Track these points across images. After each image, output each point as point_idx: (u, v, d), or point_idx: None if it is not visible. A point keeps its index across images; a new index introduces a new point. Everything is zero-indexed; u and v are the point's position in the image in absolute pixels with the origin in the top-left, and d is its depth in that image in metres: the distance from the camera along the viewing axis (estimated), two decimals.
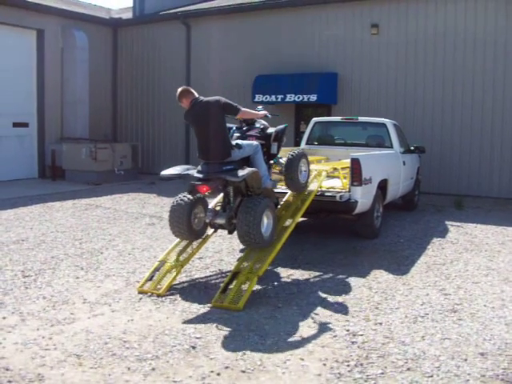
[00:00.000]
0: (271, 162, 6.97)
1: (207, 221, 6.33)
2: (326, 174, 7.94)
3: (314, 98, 14.40)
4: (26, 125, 16.36)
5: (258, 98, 15.09)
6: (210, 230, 6.75)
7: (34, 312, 5.32)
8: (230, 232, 6.41)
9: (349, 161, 8.01)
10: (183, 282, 6.36)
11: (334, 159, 9.90)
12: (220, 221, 6.26)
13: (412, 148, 10.95)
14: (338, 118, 11.34)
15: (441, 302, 5.80)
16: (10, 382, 3.92)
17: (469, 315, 5.40)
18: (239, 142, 6.26)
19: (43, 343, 4.59)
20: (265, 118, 6.87)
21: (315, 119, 11.16)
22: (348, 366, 4.25)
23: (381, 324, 5.14)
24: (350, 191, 7.93)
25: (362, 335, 4.85)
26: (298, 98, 14.60)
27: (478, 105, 13.33)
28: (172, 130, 17.68)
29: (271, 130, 6.88)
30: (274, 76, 15.29)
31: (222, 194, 6.77)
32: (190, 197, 6.23)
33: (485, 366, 4.26)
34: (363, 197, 8.02)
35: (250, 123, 6.84)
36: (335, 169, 8.33)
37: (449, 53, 13.55)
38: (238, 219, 5.91)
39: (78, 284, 6.26)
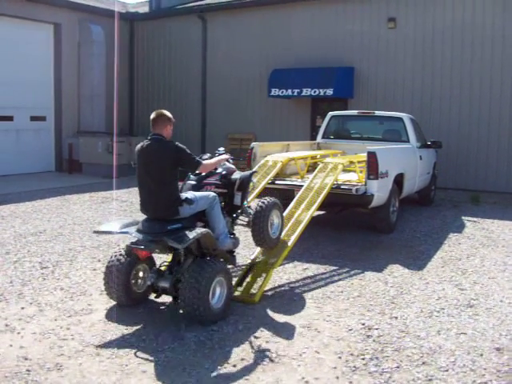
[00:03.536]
0: (235, 214, 5.83)
1: (149, 283, 5.20)
2: (343, 168, 7.93)
3: (330, 92, 14.31)
4: (43, 118, 16.51)
5: (274, 92, 15.06)
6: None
7: (52, 303, 5.39)
8: (175, 299, 5.14)
9: (365, 154, 7.98)
10: None
11: (350, 153, 9.87)
12: (163, 284, 5.11)
13: (429, 143, 10.88)
14: (354, 112, 11.30)
15: (457, 296, 5.77)
16: (28, 370, 3.98)
17: (485, 310, 5.37)
18: (190, 195, 5.12)
19: (61, 333, 4.65)
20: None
21: (331, 113, 11.12)
22: (363, 359, 4.25)
23: (396, 318, 5.13)
24: (366, 184, 7.91)
25: (377, 329, 4.86)
26: (315, 92, 14.52)
27: (496, 99, 13.17)
28: (188, 123, 17.71)
29: (236, 175, 5.73)
30: (290, 70, 15.22)
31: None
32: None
33: (501, 361, 4.25)
34: (379, 190, 7.99)
35: None
36: (351, 162, 8.31)
37: (466, 46, 13.40)
38: (183, 286, 4.85)
39: (95, 276, 6.32)
